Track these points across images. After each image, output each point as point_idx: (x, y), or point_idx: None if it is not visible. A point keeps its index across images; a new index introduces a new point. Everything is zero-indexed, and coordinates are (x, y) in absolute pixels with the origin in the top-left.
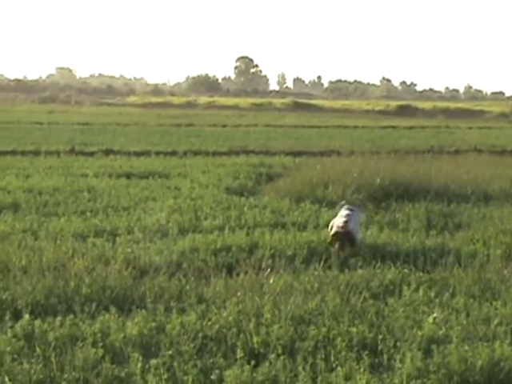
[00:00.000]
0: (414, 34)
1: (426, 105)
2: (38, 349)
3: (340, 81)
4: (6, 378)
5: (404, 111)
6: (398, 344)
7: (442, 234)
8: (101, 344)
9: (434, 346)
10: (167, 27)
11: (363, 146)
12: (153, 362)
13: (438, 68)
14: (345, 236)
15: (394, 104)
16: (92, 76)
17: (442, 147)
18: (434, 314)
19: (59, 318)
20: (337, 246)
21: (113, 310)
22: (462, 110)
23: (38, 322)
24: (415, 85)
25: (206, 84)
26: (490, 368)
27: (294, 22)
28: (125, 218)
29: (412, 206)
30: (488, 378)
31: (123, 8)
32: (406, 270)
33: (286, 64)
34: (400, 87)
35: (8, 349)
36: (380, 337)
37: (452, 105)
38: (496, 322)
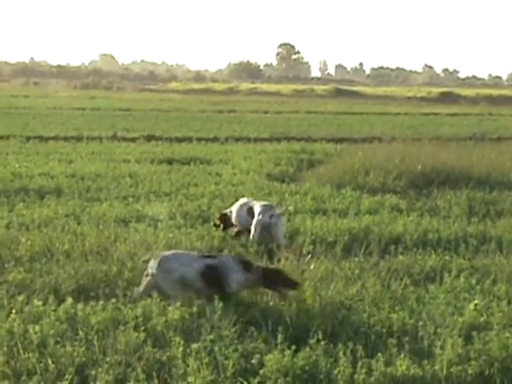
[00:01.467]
0: (457, 20)
1: (469, 92)
2: (80, 332)
3: (382, 68)
4: (50, 361)
5: (446, 98)
6: (438, 330)
7: (484, 222)
8: (142, 328)
9: (474, 333)
10: (209, 14)
11: (405, 133)
12: (194, 346)
13: (480, 55)
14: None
15: (436, 91)
16: (134, 62)
17: (485, 134)
18: (475, 301)
19: (101, 302)
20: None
21: (154, 294)
22: (506, 97)
23: (80, 306)
24: (458, 72)
25: (247, 70)
26: None
27: (336, 9)
28: (166, 204)
29: (453, 193)
30: None
31: None
32: (447, 257)
33: (327, 51)
34: (442, 74)
35: (51, 332)
36: (420, 323)
37: (495, 92)
38: None
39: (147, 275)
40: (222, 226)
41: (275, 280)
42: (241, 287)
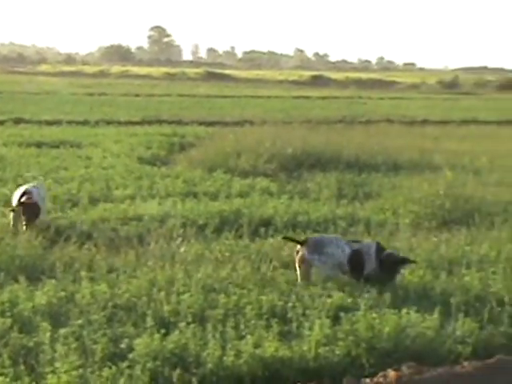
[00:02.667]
0: (327, 4)
1: (339, 75)
2: None
3: (253, 51)
4: None
5: (317, 82)
6: (307, 312)
7: (353, 204)
8: (9, 313)
9: (342, 314)
10: None
11: (276, 116)
12: (62, 331)
13: (350, 39)
14: (31, 208)
15: (307, 74)
16: (2, 44)
17: (354, 118)
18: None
19: None
20: (24, 218)
21: (22, 279)
22: (374, 80)
23: None
24: (328, 56)
25: (118, 53)
26: (396, 335)
27: None
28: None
29: (323, 175)
30: (394, 345)
31: None
32: None
33: (199, 34)
34: (313, 58)
35: None
36: (290, 305)
37: (364, 75)
38: (402, 290)
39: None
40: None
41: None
42: (372, 274)
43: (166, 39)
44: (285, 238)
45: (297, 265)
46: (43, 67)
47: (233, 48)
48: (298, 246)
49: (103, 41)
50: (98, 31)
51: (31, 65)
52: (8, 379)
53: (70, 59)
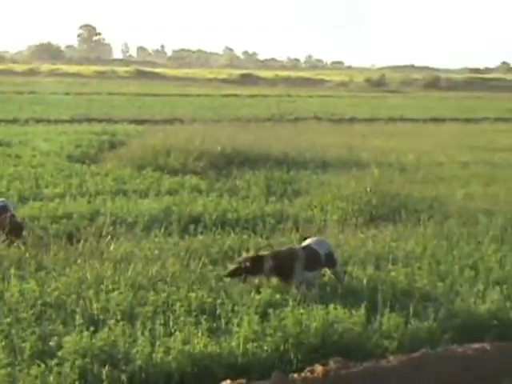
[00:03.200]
0: (256, 3)
1: (268, 74)
2: None
3: (183, 50)
4: None
5: (246, 80)
6: (236, 308)
7: (281, 201)
8: None
9: (270, 310)
10: None
11: (206, 115)
12: None
13: (279, 38)
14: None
15: (236, 73)
16: None
17: (283, 115)
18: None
19: None
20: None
21: None
22: (303, 78)
23: None
24: (257, 54)
25: (48, 52)
26: (324, 330)
27: None
28: None
29: (252, 173)
30: (322, 340)
31: None
32: (245, 236)
33: (129, 33)
34: (242, 56)
35: None
36: (219, 301)
37: (293, 74)
38: (330, 286)
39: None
40: None
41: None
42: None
43: (95, 37)
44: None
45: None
46: None
47: (162, 47)
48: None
49: (33, 39)
50: (28, 29)
51: None
52: None
53: None
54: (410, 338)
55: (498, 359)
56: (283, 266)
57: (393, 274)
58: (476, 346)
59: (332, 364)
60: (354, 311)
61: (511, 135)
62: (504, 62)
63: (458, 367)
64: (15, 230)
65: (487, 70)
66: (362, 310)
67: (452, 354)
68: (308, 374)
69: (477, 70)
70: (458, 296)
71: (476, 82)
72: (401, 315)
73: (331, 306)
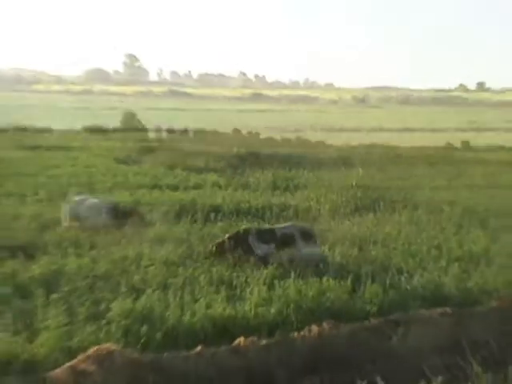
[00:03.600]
0: (266, 38)
1: (274, 93)
2: None
3: (206, 74)
4: None
5: (256, 98)
6: (248, 280)
7: (285, 194)
8: (10, 282)
9: (276, 281)
10: (67, 25)
11: (224, 126)
12: (53, 296)
13: (283, 63)
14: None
15: (248, 92)
16: (3, 68)
17: (286, 127)
18: None
19: None
20: None
21: (21, 255)
22: (302, 96)
23: None
24: (265, 77)
25: (99, 75)
26: (318, 297)
27: (171, 25)
28: (31, 182)
29: (261, 171)
30: (317, 305)
31: (31, 8)
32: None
33: (163, 59)
34: (254, 79)
35: None
36: (234, 274)
37: (294, 93)
38: (323, 262)
39: None
40: None
41: None
42: None
43: (137, 64)
44: None
45: None
46: (38, 86)
47: (190, 71)
48: None
49: (87, 65)
50: (83, 57)
51: (27, 84)
52: (10, 334)
53: (60, 80)
54: (387, 304)
55: (457, 320)
56: None
57: (373, 252)
58: (440, 310)
59: (325, 325)
60: (342, 282)
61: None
62: (461, 84)
63: (427, 327)
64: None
65: (449, 90)
66: (349, 282)
67: (421, 316)
68: (306, 333)
69: (441, 90)
70: (426, 271)
71: (440, 98)
72: (380, 286)
73: (324, 278)
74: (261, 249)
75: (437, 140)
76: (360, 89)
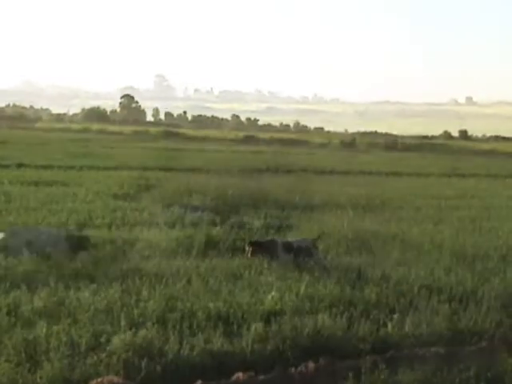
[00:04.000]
0: (258, 83)
1: (266, 135)
2: None
3: (200, 115)
4: None
5: (249, 140)
6: (245, 316)
7: (278, 233)
8: (13, 313)
9: (272, 318)
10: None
11: (219, 165)
12: (55, 328)
13: (272, 108)
14: None
15: (241, 134)
16: (7, 106)
17: (278, 167)
18: (273, 293)
19: None
20: None
21: (23, 287)
22: (293, 140)
23: None
24: (258, 120)
25: (97, 115)
26: (314, 334)
27: (194, 46)
28: (33, 217)
29: (255, 211)
30: (312, 342)
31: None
32: (250, 261)
33: (157, 100)
34: (246, 122)
35: None
36: (231, 310)
37: (285, 136)
38: (318, 299)
39: None
40: None
41: None
42: None
43: (133, 105)
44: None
45: None
46: (39, 125)
47: (185, 112)
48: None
49: (86, 104)
50: (82, 98)
51: (30, 123)
52: (12, 365)
53: (59, 118)
54: (381, 341)
55: (450, 358)
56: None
57: (367, 291)
58: (433, 349)
59: (321, 361)
60: (337, 320)
61: (452, 187)
62: (445, 131)
63: (421, 366)
64: None
65: (432, 137)
66: (344, 319)
67: (414, 355)
68: (303, 368)
69: (425, 137)
70: (417, 310)
71: (424, 145)
72: (373, 324)
73: (319, 316)
74: (284, 256)
75: (422, 185)
76: (348, 133)
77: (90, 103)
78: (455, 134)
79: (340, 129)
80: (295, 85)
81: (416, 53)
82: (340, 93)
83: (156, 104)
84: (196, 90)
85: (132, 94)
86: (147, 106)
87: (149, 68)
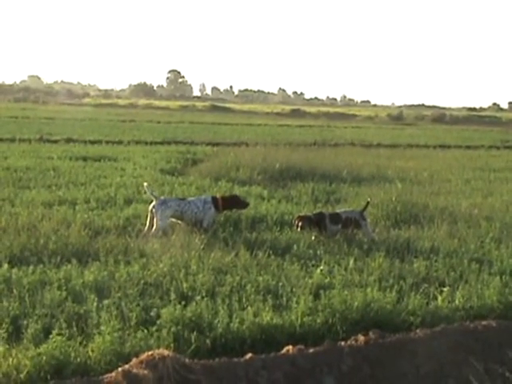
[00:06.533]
0: (304, 54)
1: (312, 109)
2: (14, 290)
3: (247, 90)
4: None
5: (295, 114)
6: (293, 290)
7: (326, 207)
8: (64, 288)
9: (321, 291)
10: (114, 42)
11: (265, 139)
12: (105, 302)
13: (321, 81)
14: None
15: (287, 108)
16: (55, 82)
17: (325, 141)
18: (321, 267)
19: (31, 267)
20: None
21: (74, 261)
22: (339, 113)
23: (15, 270)
24: (304, 94)
25: (144, 90)
26: (363, 308)
27: (212, 40)
28: (82, 191)
29: (303, 185)
30: (362, 316)
31: (80, 24)
32: (298, 234)
33: (206, 75)
34: (292, 95)
35: None
36: (280, 284)
37: (331, 109)
38: (367, 272)
39: None
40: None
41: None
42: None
43: (180, 80)
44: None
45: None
46: (86, 100)
47: (231, 87)
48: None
49: (132, 79)
50: (128, 71)
51: (77, 98)
52: (64, 338)
53: (107, 94)
54: (430, 315)
55: (502, 333)
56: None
57: (415, 265)
58: (484, 322)
59: (371, 334)
60: (386, 293)
61: (501, 159)
62: (494, 103)
63: (470, 339)
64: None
65: (481, 109)
66: (393, 293)
67: (465, 328)
68: (353, 342)
69: (473, 109)
70: (467, 283)
71: (473, 118)
72: (423, 297)
73: (368, 289)
74: (332, 228)
75: (471, 157)
76: (395, 106)
77: (101, 101)
78: (504, 105)
79: (374, 138)
80: (322, 85)
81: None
82: (370, 95)
83: (170, 103)
84: (214, 89)
85: (144, 92)
86: (162, 105)
87: (162, 64)
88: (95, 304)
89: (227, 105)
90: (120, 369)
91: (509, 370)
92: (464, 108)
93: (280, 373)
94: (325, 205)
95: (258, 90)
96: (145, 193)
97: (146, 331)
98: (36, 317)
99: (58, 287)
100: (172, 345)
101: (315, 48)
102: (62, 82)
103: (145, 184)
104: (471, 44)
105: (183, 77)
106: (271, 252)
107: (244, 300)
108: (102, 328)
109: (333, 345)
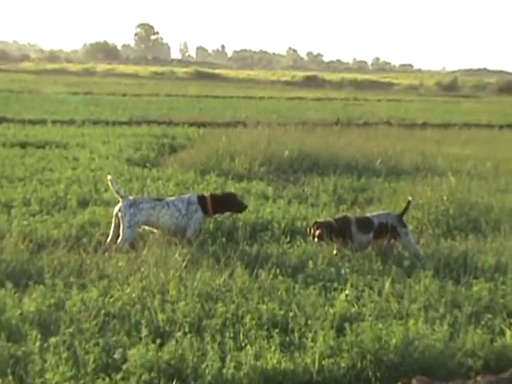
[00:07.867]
0: (321, 2)
1: (334, 76)
2: None
3: (245, 50)
4: None
5: (311, 82)
6: (309, 322)
7: (353, 209)
8: None
9: (346, 324)
10: None
11: (270, 118)
12: (52, 340)
13: (345, 39)
14: None
15: (300, 75)
16: None
17: (351, 119)
18: (347, 291)
19: None
20: None
21: (9, 285)
22: (370, 81)
23: None
24: (322, 55)
25: (104, 51)
26: (404, 347)
27: None
28: (20, 190)
29: (321, 179)
30: (402, 357)
31: None
32: (316, 246)
33: (188, 32)
34: (306, 58)
35: None
36: (291, 314)
37: (360, 76)
38: (409, 298)
39: None
40: None
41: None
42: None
43: (153, 37)
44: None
45: None
46: (25, 64)
47: (223, 47)
48: None
49: (88, 38)
50: (83, 27)
51: (13, 62)
52: None
53: (53, 56)
54: (496, 356)
55: None
56: None
57: (475, 288)
58: None
59: (415, 383)
60: (435, 327)
61: None
62: None
63: None
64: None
65: None
66: (445, 326)
67: None
68: None
69: None
70: None
71: None
72: (486, 332)
73: (411, 322)
74: (360, 238)
75: None
76: (446, 72)
77: (45, 66)
78: None
79: (419, 116)
80: (347, 44)
81: None
82: (413, 56)
83: (139, 69)
84: (200, 49)
85: (104, 53)
86: (128, 71)
87: (129, 17)
88: (38, 343)
89: (217, 71)
90: None
91: None
92: None
93: None
94: (351, 207)
95: (260, 51)
96: (106, 191)
97: (107, 379)
98: None
99: None
100: None
101: None
102: None
103: (108, 177)
104: None
105: (157, 33)
106: (278, 271)
107: (241, 337)
108: (48, 376)
109: None
